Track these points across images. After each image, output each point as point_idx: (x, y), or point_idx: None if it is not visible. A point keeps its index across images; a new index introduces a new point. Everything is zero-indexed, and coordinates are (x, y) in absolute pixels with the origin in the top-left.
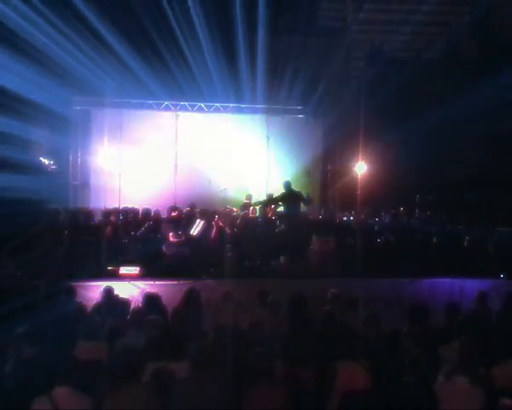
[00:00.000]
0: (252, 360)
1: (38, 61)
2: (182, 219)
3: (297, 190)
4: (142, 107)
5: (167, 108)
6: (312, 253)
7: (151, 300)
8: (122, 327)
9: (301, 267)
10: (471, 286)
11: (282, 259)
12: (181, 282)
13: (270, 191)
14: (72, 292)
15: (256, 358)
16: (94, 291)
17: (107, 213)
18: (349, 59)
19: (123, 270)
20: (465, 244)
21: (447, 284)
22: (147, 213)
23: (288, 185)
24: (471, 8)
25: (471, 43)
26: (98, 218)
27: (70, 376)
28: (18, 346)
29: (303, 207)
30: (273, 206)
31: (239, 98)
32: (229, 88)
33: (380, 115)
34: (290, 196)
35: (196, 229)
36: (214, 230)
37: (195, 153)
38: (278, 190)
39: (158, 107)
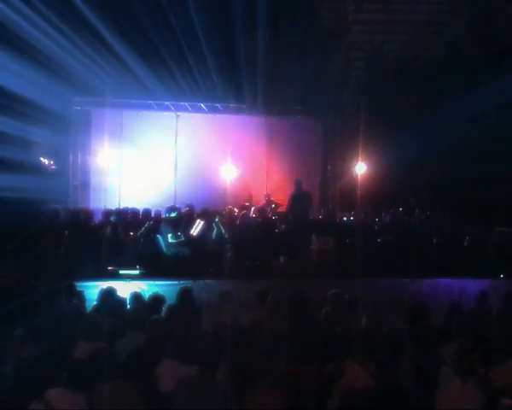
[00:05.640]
0: (252, 360)
1: (38, 61)
2: (181, 220)
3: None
4: (142, 107)
5: (167, 108)
6: (312, 253)
7: (156, 301)
8: (122, 327)
9: (301, 267)
10: (471, 286)
11: (282, 259)
12: (181, 282)
13: (269, 191)
14: (72, 292)
15: (256, 358)
16: (94, 291)
17: (107, 214)
18: (349, 59)
19: (123, 270)
20: (465, 244)
21: (447, 284)
22: (147, 213)
23: (297, 184)
24: (471, 8)
25: (471, 43)
26: (98, 218)
27: (71, 376)
28: (17, 346)
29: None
30: (273, 205)
31: (239, 98)
32: (229, 88)
33: (380, 115)
34: (301, 196)
35: (196, 229)
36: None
37: (195, 153)
38: (278, 190)
39: (158, 107)
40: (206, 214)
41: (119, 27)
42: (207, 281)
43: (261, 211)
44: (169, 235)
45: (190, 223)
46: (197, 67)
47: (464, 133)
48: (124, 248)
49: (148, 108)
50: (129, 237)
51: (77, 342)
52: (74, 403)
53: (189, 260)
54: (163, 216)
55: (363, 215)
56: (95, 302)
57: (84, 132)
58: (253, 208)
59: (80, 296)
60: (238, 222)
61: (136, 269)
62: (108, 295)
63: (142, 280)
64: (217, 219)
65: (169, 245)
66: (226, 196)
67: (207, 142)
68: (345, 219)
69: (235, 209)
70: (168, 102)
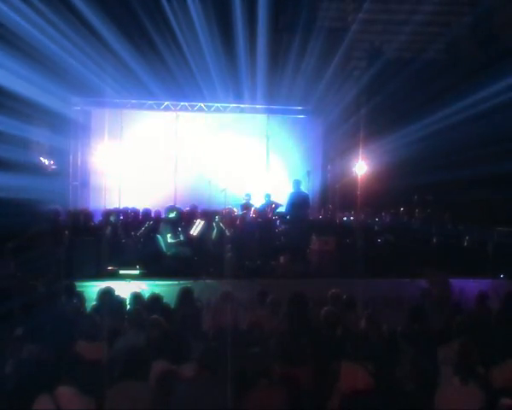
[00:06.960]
0: (251, 360)
1: (38, 61)
2: (181, 220)
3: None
4: (142, 107)
5: (167, 108)
6: (312, 253)
7: (154, 300)
8: (122, 327)
9: (301, 267)
10: (471, 286)
11: (282, 259)
12: (181, 282)
13: (269, 191)
14: (72, 292)
15: (255, 358)
16: (94, 291)
17: (107, 214)
18: (349, 59)
19: (123, 270)
20: (465, 244)
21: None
22: (147, 213)
23: (296, 184)
24: (471, 8)
25: (471, 43)
26: (98, 218)
27: (71, 375)
28: (17, 346)
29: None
30: (273, 205)
31: (239, 98)
32: (229, 88)
33: (380, 115)
34: (298, 198)
35: (196, 229)
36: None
37: (195, 153)
38: (278, 190)
39: (158, 107)
40: (206, 214)
41: (118, 27)
42: (207, 281)
43: (261, 211)
44: (168, 235)
45: (190, 223)
46: (197, 67)
47: (464, 133)
48: (124, 248)
49: (148, 108)
50: (129, 238)
51: (77, 342)
52: (84, 403)
53: (189, 260)
54: (163, 216)
55: (363, 215)
56: (94, 302)
57: (84, 132)
58: (252, 208)
59: (80, 296)
60: (238, 222)
61: (136, 269)
62: (107, 295)
63: (142, 280)
64: (217, 219)
65: (169, 245)
66: (226, 196)
67: (207, 141)
68: (345, 219)
69: (235, 209)
70: (168, 102)
